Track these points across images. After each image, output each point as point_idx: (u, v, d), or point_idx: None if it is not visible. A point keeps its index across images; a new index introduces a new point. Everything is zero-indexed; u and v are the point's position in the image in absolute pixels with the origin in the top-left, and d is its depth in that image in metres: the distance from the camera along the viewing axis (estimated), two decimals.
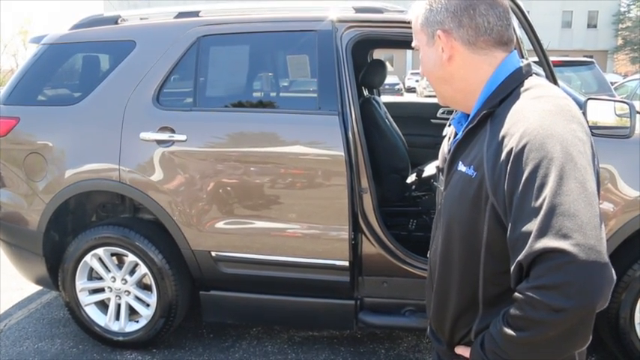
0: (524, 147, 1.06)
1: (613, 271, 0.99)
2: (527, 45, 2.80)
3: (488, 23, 1.19)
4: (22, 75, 3.56)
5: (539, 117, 1.09)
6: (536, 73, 1.26)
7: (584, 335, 1.04)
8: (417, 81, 29.02)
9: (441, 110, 5.06)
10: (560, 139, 1.06)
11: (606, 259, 0.98)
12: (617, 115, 2.94)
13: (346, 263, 3.02)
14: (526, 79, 1.21)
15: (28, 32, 52.23)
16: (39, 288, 4.33)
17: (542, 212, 1.00)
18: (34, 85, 3.55)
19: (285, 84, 3.88)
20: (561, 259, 0.97)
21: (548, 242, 0.98)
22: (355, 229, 3.01)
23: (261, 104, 3.48)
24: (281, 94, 3.78)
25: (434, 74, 1.30)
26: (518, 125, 1.10)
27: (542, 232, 0.99)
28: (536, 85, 1.19)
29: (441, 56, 1.24)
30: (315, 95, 3.10)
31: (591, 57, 12.03)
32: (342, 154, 2.91)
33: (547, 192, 1.01)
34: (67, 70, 3.77)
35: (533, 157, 1.05)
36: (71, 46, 3.59)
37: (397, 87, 27.97)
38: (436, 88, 1.33)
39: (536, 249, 0.99)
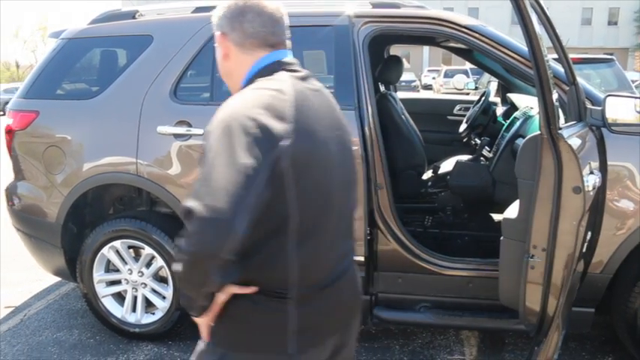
0: (208, 127, 1.27)
1: (236, 229, 1.14)
2: (546, 42, 2.78)
3: (253, 29, 1.40)
4: (41, 69, 3.60)
5: (233, 102, 1.30)
6: (293, 70, 1.42)
7: (203, 277, 1.21)
8: (433, 78, 28.83)
9: (457, 107, 5.05)
10: (231, 119, 1.23)
11: (227, 218, 1.13)
12: (637, 112, 2.90)
13: (361, 258, 3.01)
14: (271, 73, 1.39)
15: (47, 28, 52.78)
16: (57, 279, 4.39)
17: (197, 179, 1.21)
18: (52, 80, 3.59)
19: None
20: (191, 215, 1.14)
21: (188, 202, 1.17)
22: (371, 224, 3.01)
23: None
24: None
25: (220, 69, 1.51)
26: (220, 110, 1.31)
27: (190, 195, 1.18)
28: (269, 78, 1.37)
29: (221, 54, 1.47)
30: (332, 90, 3.09)
31: (612, 54, 11.88)
32: (359, 149, 2.91)
33: (204, 163, 1.21)
34: (85, 65, 3.80)
35: (206, 135, 1.26)
36: (89, 41, 3.62)
37: (413, 84, 27.86)
38: (225, 81, 1.52)
39: (182, 207, 1.19)
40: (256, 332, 1.36)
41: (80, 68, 3.77)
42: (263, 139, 1.21)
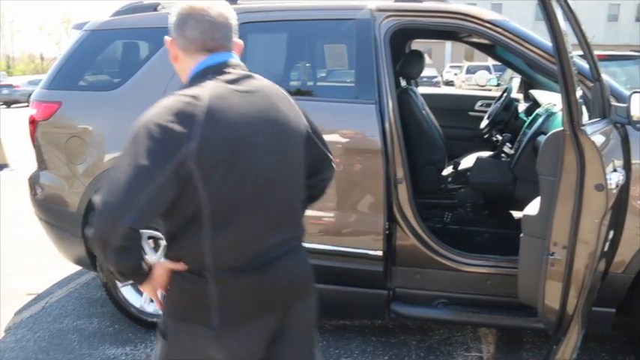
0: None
1: (124, 222, 1.31)
2: (572, 39, 2.73)
3: (193, 35, 1.52)
4: (64, 61, 3.64)
5: (150, 109, 1.45)
6: (225, 72, 1.52)
7: (103, 257, 1.39)
8: (455, 74, 28.57)
9: (479, 103, 5.00)
10: (141, 125, 1.39)
11: (115, 213, 1.33)
12: None
13: (380, 253, 3.01)
14: (203, 77, 1.51)
15: (71, 21, 53.36)
16: (78, 268, 4.44)
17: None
18: (75, 71, 3.62)
19: (323, 72, 3.87)
20: (95, 208, 1.37)
21: (95, 196, 1.46)
22: (390, 219, 3.00)
23: (298, 92, 3.47)
24: (318, 83, 3.77)
25: (175, 70, 1.64)
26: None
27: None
28: (195, 84, 1.48)
29: (171, 57, 1.62)
30: (353, 84, 3.08)
31: (639, 52, 11.67)
32: (379, 143, 2.90)
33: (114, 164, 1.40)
34: (107, 56, 3.83)
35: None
36: (111, 33, 3.65)
37: (435, 80, 27.66)
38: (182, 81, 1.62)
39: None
40: (188, 305, 1.55)
41: (102, 60, 3.80)
42: (166, 143, 1.37)
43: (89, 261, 3.57)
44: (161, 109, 1.42)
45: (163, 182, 1.35)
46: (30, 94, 3.84)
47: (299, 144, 1.62)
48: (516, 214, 3.93)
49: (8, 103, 28.73)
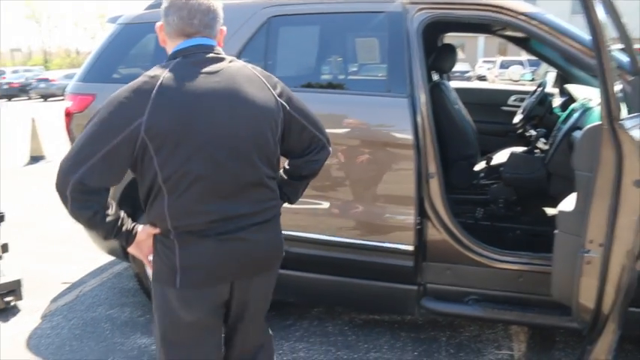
0: None
1: (75, 177, 1.58)
2: (612, 32, 2.66)
3: (174, 22, 1.71)
4: (99, 54, 3.69)
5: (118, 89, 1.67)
6: (192, 54, 1.70)
7: (65, 206, 1.65)
8: (488, 69, 28.16)
9: (512, 97, 4.91)
10: (106, 102, 1.64)
11: (66, 170, 1.60)
12: None
13: (411, 248, 2.99)
14: (173, 58, 1.72)
15: (106, 15, 54.22)
16: (111, 258, 4.52)
17: None
18: (109, 64, 3.66)
19: (354, 65, 3.85)
20: None
21: None
22: (421, 214, 2.97)
23: (330, 85, 3.46)
24: (350, 76, 3.75)
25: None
26: None
27: None
28: (163, 65, 1.69)
29: (160, 40, 1.81)
30: (385, 77, 3.06)
31: None
32: (411, 137, 2.87)
33: None
34: (140, 50, 3.86)
35: None
36: (145, 27, 3.67)
37: (467, 75, 27.32)
38: None
39: None
40: (162, 267, 1.75)
41: (136, 53, 3.83)
42: (121, 115, 1.59)
43: (121, 251, 3.62)
44: (125, 87, 1.65)
45: (114, 147, 1.58)
46: (65, 88, 3.91)
47: (264, 122, 1.73)
48: (549, 211, 3.88)
49: (45, 97, 29.36)
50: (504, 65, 24.67)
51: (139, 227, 1.81)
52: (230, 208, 1.71)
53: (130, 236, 1.77)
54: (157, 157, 1.61)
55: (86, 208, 1.64)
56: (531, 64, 22.47)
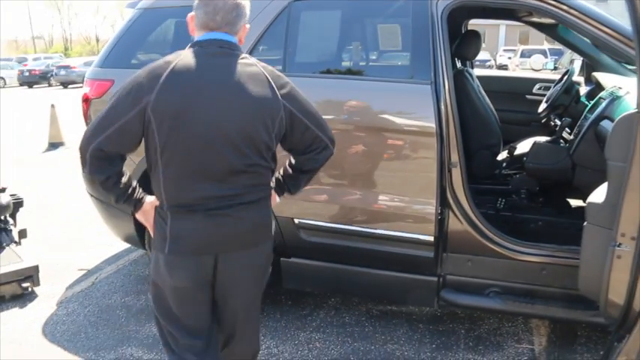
0: None
1: (92, 143, 1.81)
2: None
3: (200, 16, 1.90)
4: (117, 39, 3.66)
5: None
6: (206, 46, 1.88)
7: (82, 169, 1.87)
8: (509, 58, 27.88)
9: (537, 86, 4.80)
10: (126, 82, 1.84)
11: (87, 137, 1.83)
12: None
13: (431, 238, 2.93)
14: (192, 47, 1.89)
15: (126, 3, 54.49)
16: (127, 245, 4.50)
17: None
18: (128, 49, 3.63)
19: (377, 51, 3.77)
20: None
21: None
22: (442, 203, 2.90)
23: (351, 71, 3.39)
24: (372, 62, 3.68)
25: None
26: None
27: None
28: (181, 52, 1.88)
29: (190, 29, 1.97)
30: (408, 63, 2.98)
31: None
32: (433, 125, 2.80)
33: None
34: (159, 35, 3.83)
35: None
36: (164, 11, 3.64)
37: (488, 64, 27.06)
38: None
39: None
40: (157, 235, 1.95)
41: (155, 38, 3.80)
42: (135, 94, 1.78)
43: (138, 239, 3.60)
44: (143, 69, 1.84)
45: (128, 120, 1.78)
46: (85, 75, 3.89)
47: (256, 116, 1.84)
48: (574, 203, 3.79)
49: (65, 84, 29.59)
50: (525, 54, 24.44)
51: (148, 198, 1.99)
52: (219, 189, 1.85)
53: (138, 203, 1.98)
54: (157, 133, 1.79)
55: (100, 173, 1.86)
56: (553, 52, 22.15)
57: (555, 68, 8.70)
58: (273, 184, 2.08)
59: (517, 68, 24.03)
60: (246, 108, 1.83)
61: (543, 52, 22.83)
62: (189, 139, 1.79)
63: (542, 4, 2.81)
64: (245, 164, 1.86)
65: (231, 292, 2.03)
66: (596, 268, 2.23)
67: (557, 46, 26.85)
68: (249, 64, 1.88)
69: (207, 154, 1.81)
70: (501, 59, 29.40)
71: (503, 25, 34.59)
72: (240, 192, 1.88)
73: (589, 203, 2.33)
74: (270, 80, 1.89)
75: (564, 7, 2.77)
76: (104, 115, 1.82)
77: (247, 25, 1.97)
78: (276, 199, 2.14)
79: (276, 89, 1.89)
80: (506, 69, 25.97)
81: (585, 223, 2.33)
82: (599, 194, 2.31)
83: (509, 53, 28.94)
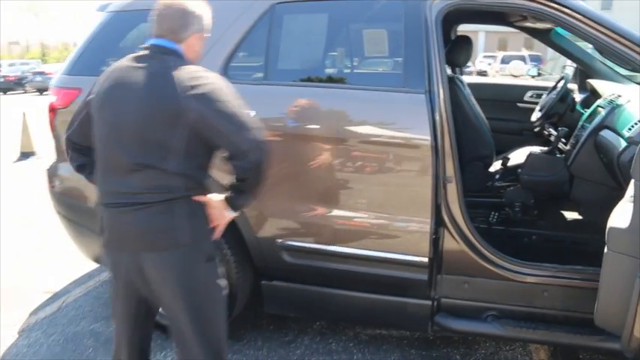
0: None
1: (67, 134, 2.18)
2: None
3: (150, 23, 2.00)
4: (86, 45, 3.42)
5: None
6: (138, 51, 2.01)
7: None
8: (489, 64, 28.02)
9: (529, 93, 4.65)
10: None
11: (66, 130, 2.19)
12: None
13: (425, 259, 2.72)
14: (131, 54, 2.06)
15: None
16: (97, 265, 4.21)
17: None
18: (97, 55, 3.37)
19: (366, 58, 3.58)
20: None
21: None
22: (437, 222, 2.70)
23: (340, 79, 3.18)
24: (361, 69, 3.48)
25: None
26: None
27: None
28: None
29: None
30: (400, 71, 2.78)
31: None
32: (428, 137, 2.60)
33: None
34: (132, 40, 3.58)
35: None
36: (137, 14, 3.38)
37: (467, 70, 27.10)
38: None
39: None
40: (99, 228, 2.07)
41: (126, 44, 3.55)
42: (89, 90, 2.06)
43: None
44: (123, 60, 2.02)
45: (84, 115, 2.07)
46: None
47: (154, 117, 1.86)
48: (569, 216, 3.66)
49: (41, 91, 29.02)
50: (505, 60, 24.60)
51: None
52: (121, 184, 1.92)
53: None
54: (94, 126, 2.00)
55: (73, 160, 2.18)
56: (532, 59, 22.25)
57: (539, 74, 8.61)
58: (220, 195, 2.03)
59: (497, 74, 24.16)
60: (143, 108, 1.88)
61: (522, 59, 22.94)
62: (100, 136, 1.97)
63: (543, 7, 2.62)
64: (145, 161, 1.88)
65: (158, 293, 2.01)
66: (619, 300, 2.02)
67: (536, 52, 27.02)
68: (166, 67, 1.91)
69: (112, 149, 1.93)
70: (481, 65, 29.53)
71: (482, 32, 34.82)
72: (137, 191, 1.91)
73: (610, 228, 2.10)
74: (180, 81, 1.87)
75: (567, 11, 2.59)
76: (75, 111, 2.14)
77: (206, 35, 2.08)
78: (223, 213, 2.04)
79: (184, 90, 1.85)
80: (485, 75, 26.07)
81: (606, 250, 2.11)
82: (623, 218, 2.08)
83: (489, 59, 29.10)
